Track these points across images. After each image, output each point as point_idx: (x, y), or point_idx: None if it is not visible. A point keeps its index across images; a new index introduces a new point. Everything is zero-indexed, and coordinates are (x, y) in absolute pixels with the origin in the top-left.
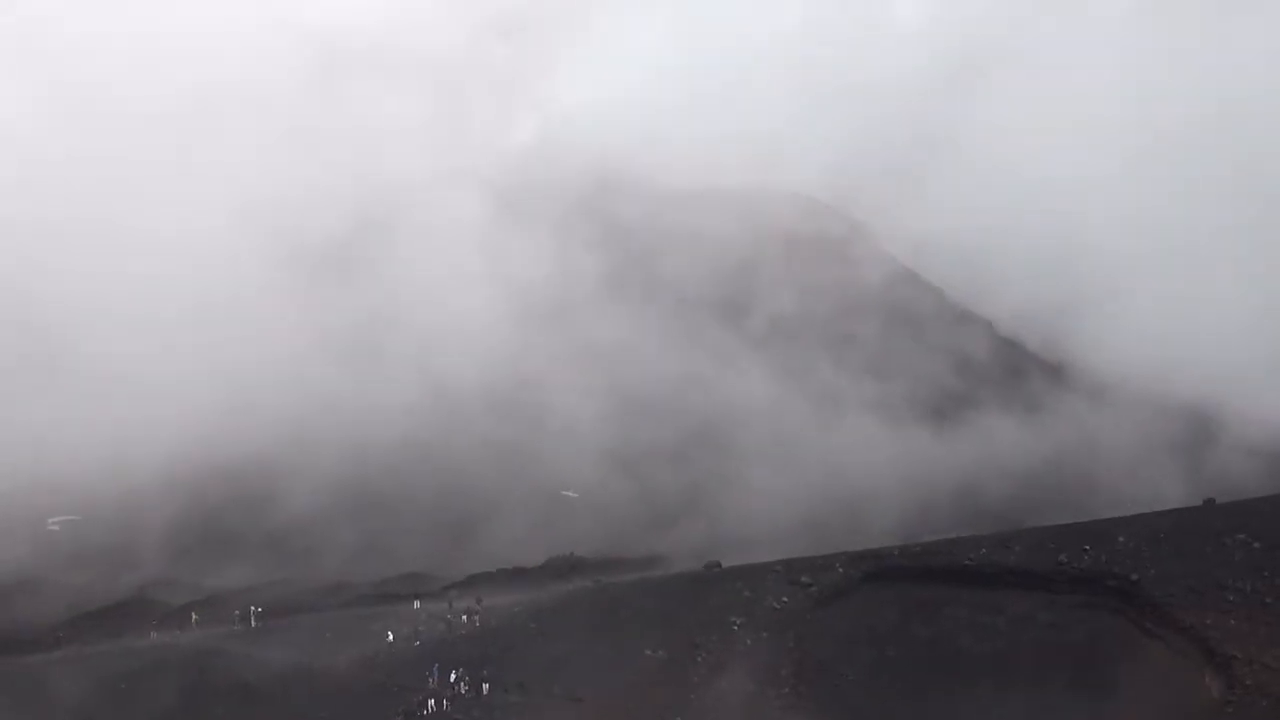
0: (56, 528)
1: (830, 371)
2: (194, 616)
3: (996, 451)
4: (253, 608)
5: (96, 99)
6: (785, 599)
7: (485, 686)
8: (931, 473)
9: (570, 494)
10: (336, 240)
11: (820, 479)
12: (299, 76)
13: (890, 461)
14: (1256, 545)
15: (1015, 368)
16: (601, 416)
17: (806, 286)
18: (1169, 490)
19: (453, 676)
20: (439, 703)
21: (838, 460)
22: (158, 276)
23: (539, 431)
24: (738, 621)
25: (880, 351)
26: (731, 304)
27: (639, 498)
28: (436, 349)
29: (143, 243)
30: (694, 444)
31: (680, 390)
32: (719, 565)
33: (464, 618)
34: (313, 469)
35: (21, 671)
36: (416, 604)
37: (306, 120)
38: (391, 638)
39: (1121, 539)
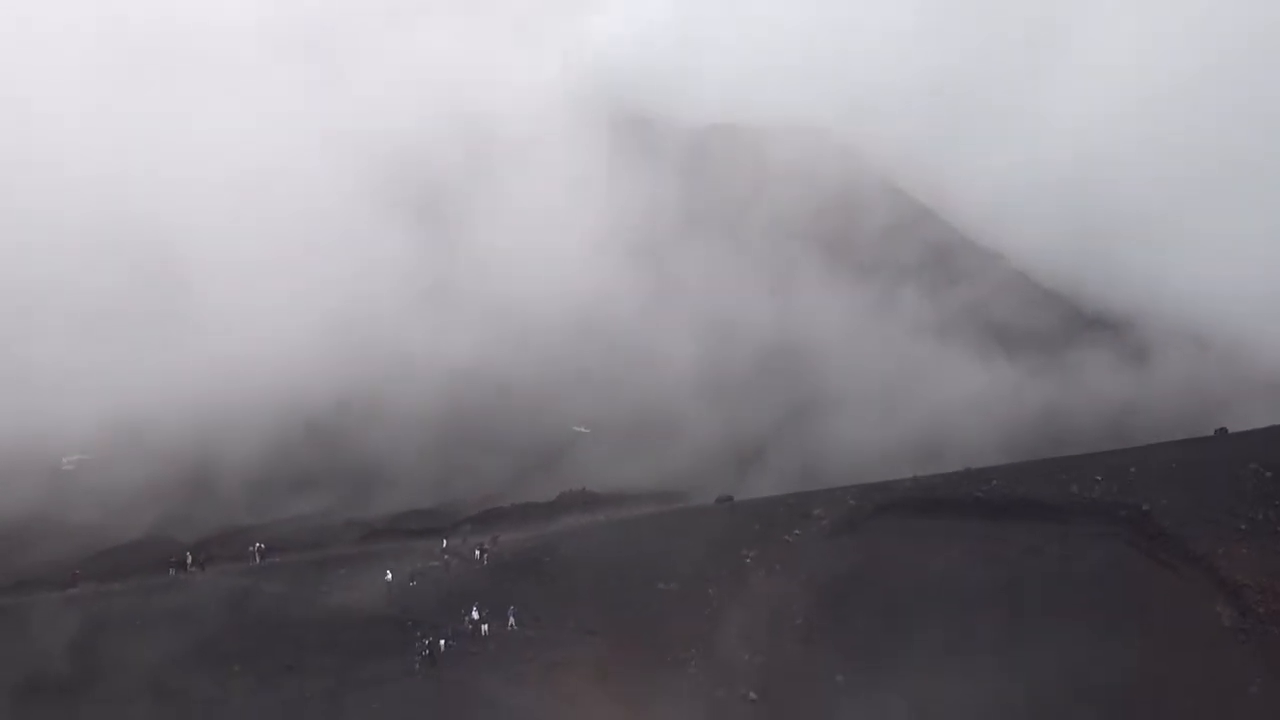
0: (71, 467)
1: (866, 306)
2: (209, 553)
3: (1028, 385)
4: (260, 544)
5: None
6: (797, 532)
7: (510, 622)
8: (983, 404)
9: (582, 429)
10: (424, 175)
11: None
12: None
13: (939, 394)
14: (1268, 474)
15: (1041, 305)
16: (684, 348)
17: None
18: (1183, 420)
19: (467, 611)
20: (455, 637)
21: (897, 392)
22: (247, 214)
23: (623, 364)
24: (750, 555)
25: (913, 289)
26: (784, 238)
27: (724, 429)
28: (520, 283)
29: (233, 179)
30: (775, 376)
31: (760, 322)
32: (731, 499)
33: (478, 553)
34: (394, 405)
35: (39, 608)
36: (444, 542)
37: (389, 57)
38: (406, 574)
39: (1133, 469)
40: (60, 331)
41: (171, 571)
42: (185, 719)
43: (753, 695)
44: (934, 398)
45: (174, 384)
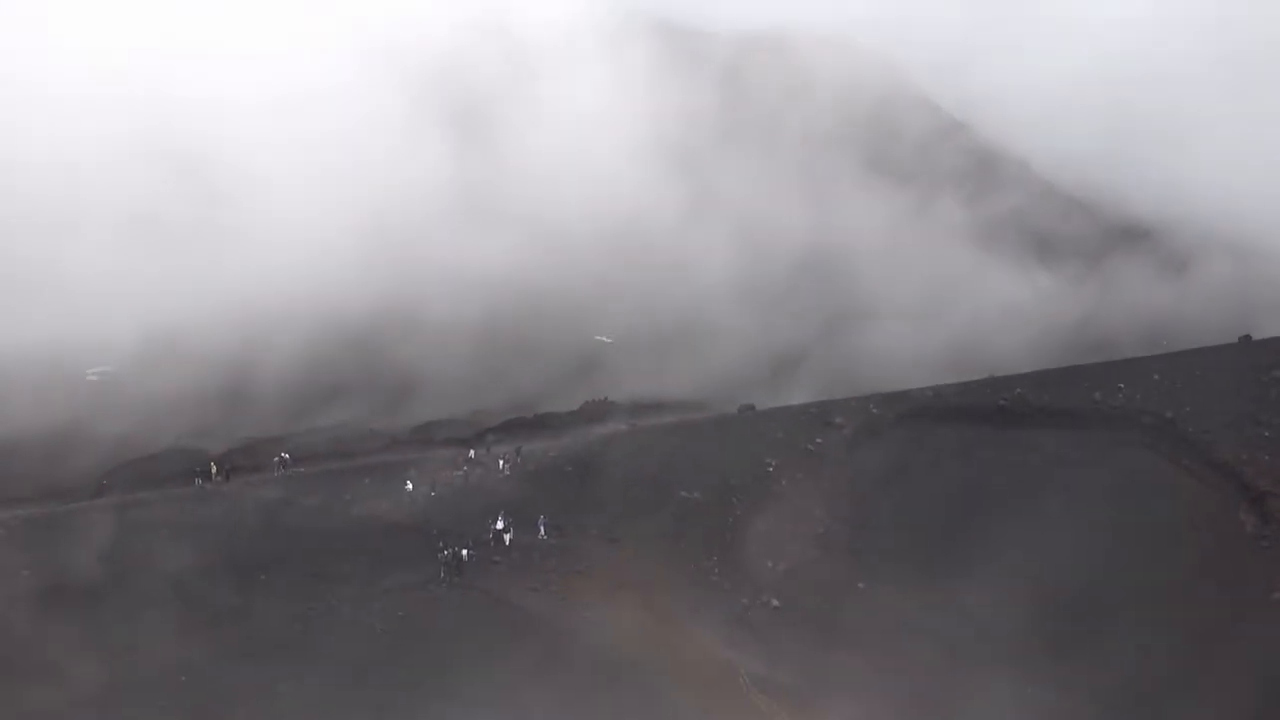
0: (95, 378)
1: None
2: (234, 464)
3: (1062, 293)
4: (284, 454)
5: None
6: (819, 440)
7: (540, 532)
8: (1017, 312)
9: (604, 339)
10: (461, 86)
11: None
12: None
13: (973, 303)
14: None
15: (1074, 214)
16: (721, 258)
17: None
18: (1214, 327)
19: (491, 520)
20: (478, 546)
21: (931, 301)
22: (285, 126)
23: (659, 274)
24: (772, 463)
25: (947, 200)
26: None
27: (760, 338)
28: (557, 194)
29: (272, 92)
30: (810, 286)
31: (796, 232)
32: (753, 408)
33: (501, 463)
34: (430, 315)
35: (66, 517)
36: (471, 452)
37: None
38: (430, 483)
39: (1156, 376)
40: (98, 244)
41: (197, 481)
42: (211, 627)
43: (775, 602)
44: (968, 307)
45: (210, 296)
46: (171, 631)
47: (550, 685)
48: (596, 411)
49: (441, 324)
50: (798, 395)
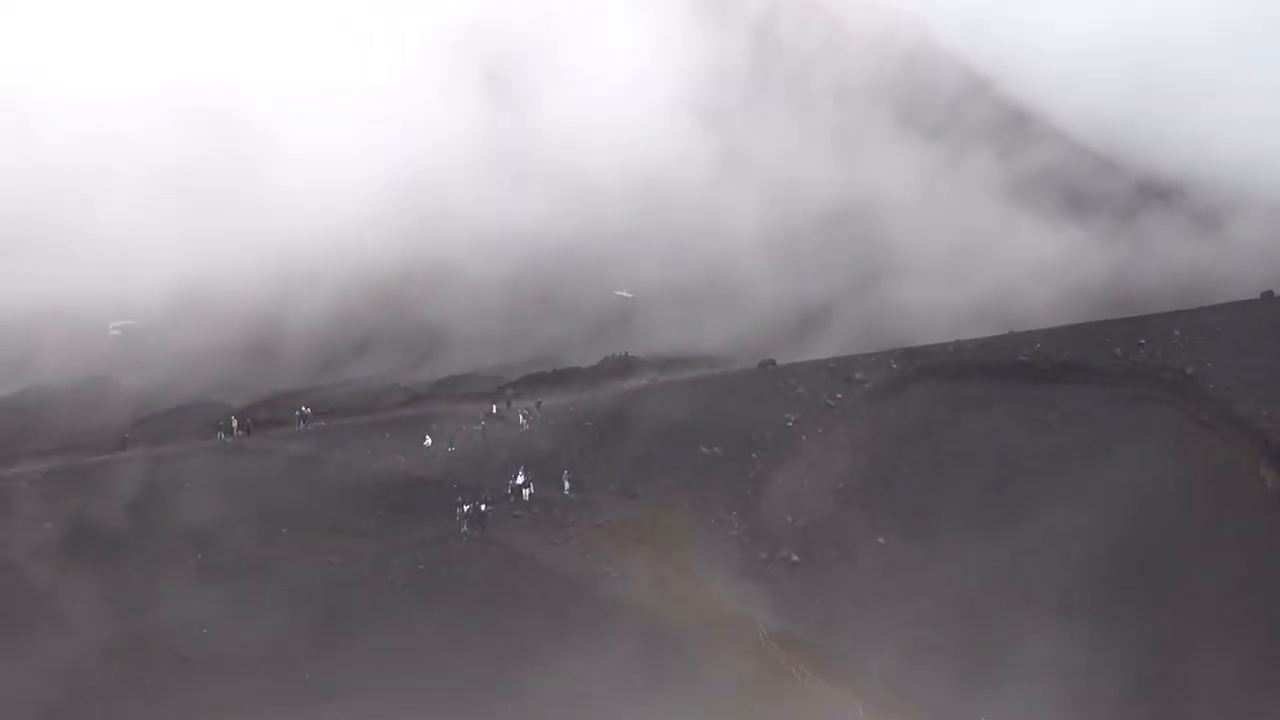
0: (118, 332)
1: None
2: (255, 418)
3: (1091, 250)
4: (305, 409)
5: None
6: (839, 395)
7: (565, 486)
8: (1046, 268)
9: (625, 294)
10: (490, 42)
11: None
12: None
13: (1003, 259)
14: None
15: (1103, 171)
16: (751, 213)
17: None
18: (1239, 284)
19: (512, 475)
20: (498, 501)
21: (960, 256)
22: (316, 83)
23: (689, 229)
24: (792, 418)
25: (978, 156)
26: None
27: (790, 291)
28: (587, 149)
29: (303, 48)
30: (843, 240)
31: (827, 187)
32: (773, 363)
33: (521, 418)
34: (459, 271)
35: (88, 471)
36: (494, 407)
37: None
38: (450, 438)
39: (1177, 332)
40: (129, 201)
41: (219, 435)
42: (233, 579)
43: (795, 557)
44: (998, 263)
45: (240, 251)
46: (193, 584)
47: (569, 639)
48: (617, 366)
49: (470, 280)
50: (825, 351)
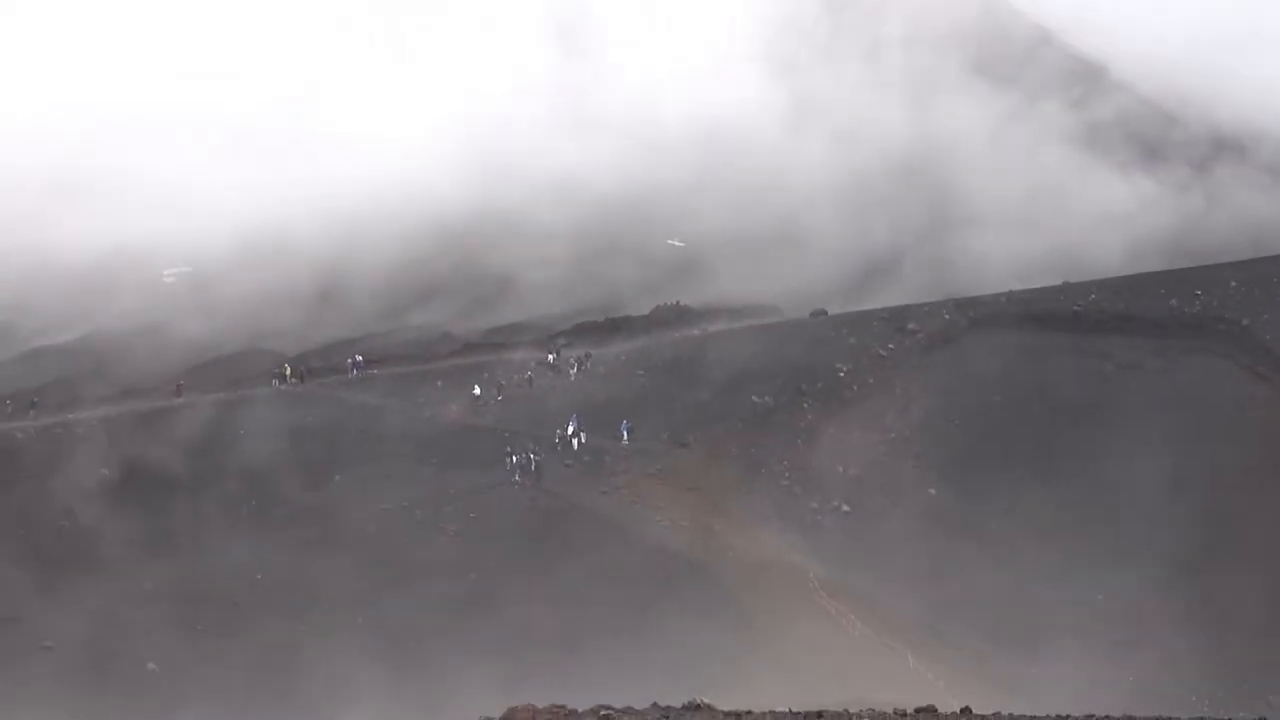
0: (172, 279)
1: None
2: (308, 366)
3: (1160, 200)
4: (358, 357)
5: None
6: (891, 345)
7: (624, 437)
8: (1114, 218)
9: (677, 243)
10: None
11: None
12: None
13: (1071, 208)
14: None
15: (1169, 123)
16: (822, 163)
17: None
18: None
19: (564, 424)
20: (550, 449)
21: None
22: (390, 35)
23: (760, 179)
24: (843, 368)
25: (1046, 107)
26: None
27: (862, 241)
28: (658, 99)
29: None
30: (916, 187)
31: (897, 135)
32: (824, 312)
33: (573, 366)
34: (527, 220)
35: (143, 417)
36: (551, 357)
37: None
38: (502, 386)
39: (1233, 283)
40: (196, 145)
41: (273, 383)
42: (289, 527)
43: (845, 507)
44: (1068, 212)
45: (307, 199)
46: (247, 530)
47: (620, 587)
48: (669, 315)
49: (537, 228)
50: (894, 301)
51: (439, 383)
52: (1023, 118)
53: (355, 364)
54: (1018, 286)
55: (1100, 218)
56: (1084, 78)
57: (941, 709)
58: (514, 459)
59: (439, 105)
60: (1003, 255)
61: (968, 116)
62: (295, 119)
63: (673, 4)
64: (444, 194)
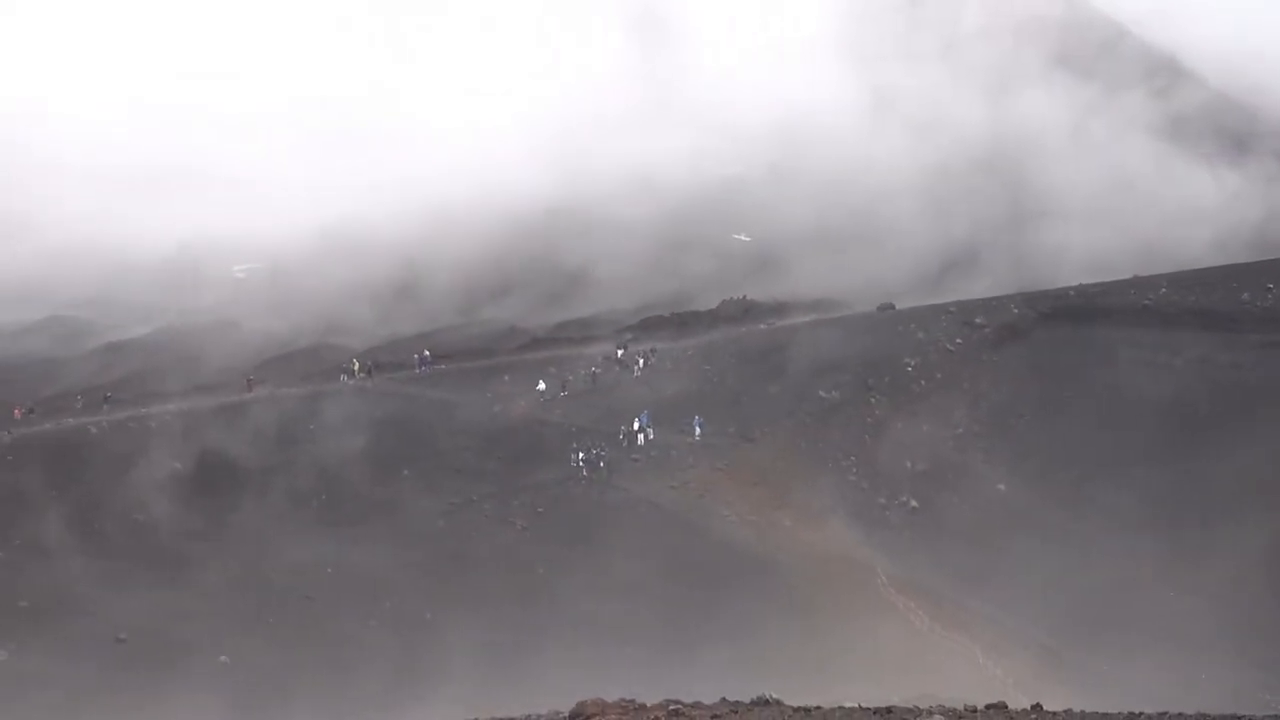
0: (242, 275)
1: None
2: (376, 360)
3: (1241, 192)
4: (425, 352)
5: None
6: (959, 340)
7: (696, 431)
8: (1194, 210)
9: (743, 238)
10: None
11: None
12: None
13: (1148, 200)
14: None
15: (1249, 117)
16: (900, 155)
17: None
18: None
19: (630, 419)
20: (617, 444)
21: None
22: (470, 30)
23: (839, 172)
24: (911, 363)
25: (1125, 100)
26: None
27: (942, 235)
28: (736, 93)
29: None
30: (994, 179)
31: (978, 130)
32: (892, 307)
33: (639, 360)
34: (605, 214)
35: (215, 411)
36: (619, 352)
37: None
38: (568, 381)
39: None
40: (280, 146)
41: (342, 377)
42: (361, 520)
43: (914, 503)
44: (1150, 204)
45: (389, 197)
46: (316, 524)
47: (688, 581)
48: (735, 310)
49: (614, 222)
50: (970, 295)
51: (506, 377)
52: (1103, 110)
53: (422, 359)
54: (1094, 280)
55: (1183, 211)
56: (1165, 70)
57: (1011, 705)
58: (580, 454)
59: (518, 100)
60: (1082, 249)
61: (1047, 109)
62: (375, 115)
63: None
64: (522, 189)
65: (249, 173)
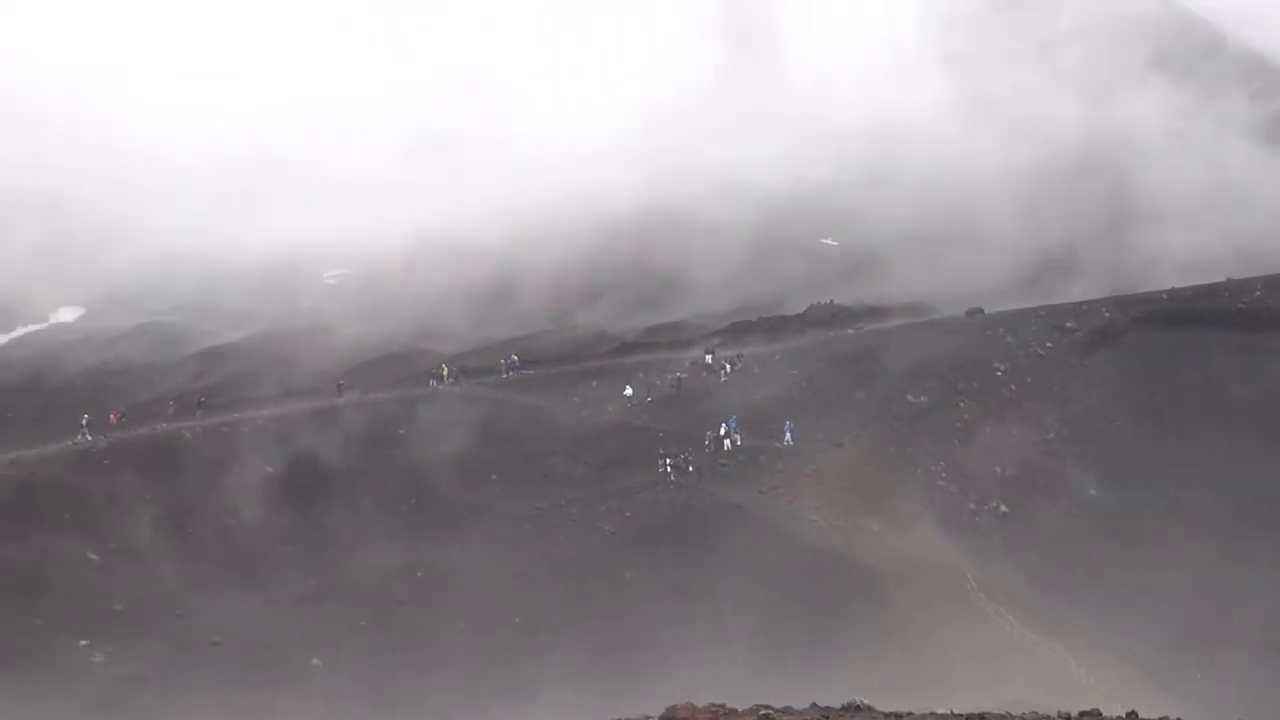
0: (333, 281)
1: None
2: (464, 365)
3: None
4: (513, 357)
5: None
6: (1049, 344)
7: (786, 437)
8: None
9: (830, 242)
10: None
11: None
12: None
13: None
14: None
15: None
16: (996, 157)
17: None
18: None
19: (718, 424)
20: (702, 448)
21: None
22: (564, 38)
23: (934, 174)
24: (1001, 367)
25: (1222, 103)
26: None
27: (1038, 238)
28: (830, 97)
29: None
30: (1091, 182)
31: (1075, 132)
32: (981, 311)
33: (726, 365)
34: (697, 219)
35: (306, 416)
36: (708, 357)
37: None
38: (655, 386)
39: None
40: (376, 153)
41: (431, 382)
42: (450, 525)
43: (1004, 508)
44: (1248, 207)
45: (484, 203)
46: (406, 528)
47: (777, 586)
48: (823, 314)
49: (707, 227)
50: (1066, 298)
51: (594, 382)
52: (1200, 112)
53: (510, 364)
54: (1188, 283)
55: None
56: (1262, 72)
57: (1106, 713)
58: (668, 459)
59: (612, 106)
60: (1179, 252)
61: (1144, 111)
62: (470, 122)
63: (845, 2)
64: (615, 193)
65: (343, 179)
